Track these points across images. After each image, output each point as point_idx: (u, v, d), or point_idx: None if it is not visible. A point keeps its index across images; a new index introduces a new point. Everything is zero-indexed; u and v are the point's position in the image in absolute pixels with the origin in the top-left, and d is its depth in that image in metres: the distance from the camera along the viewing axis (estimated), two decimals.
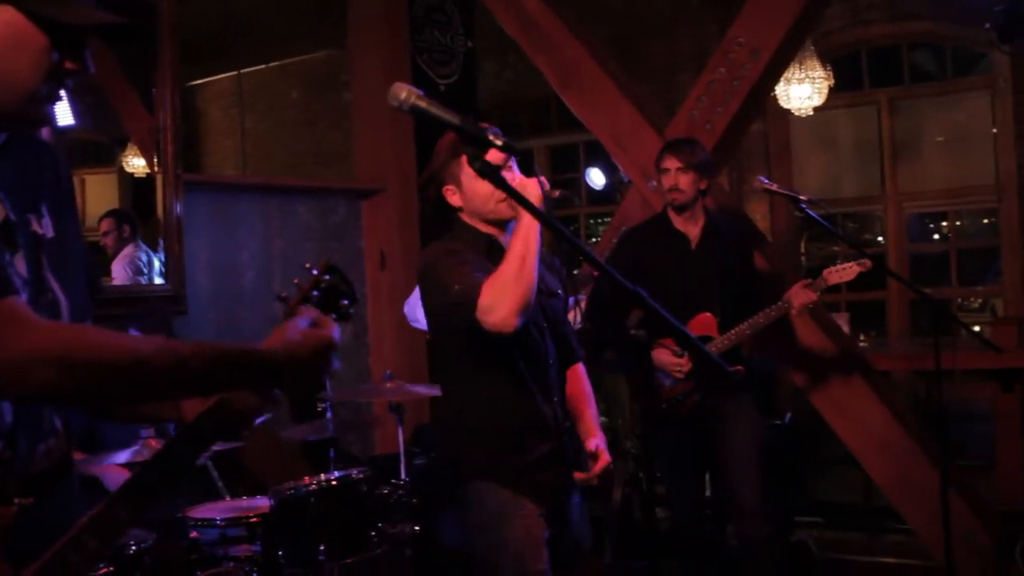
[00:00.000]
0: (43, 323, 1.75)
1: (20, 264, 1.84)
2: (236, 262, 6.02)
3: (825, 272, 4.61)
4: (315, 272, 2.03)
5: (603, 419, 7.15)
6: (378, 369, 6.54)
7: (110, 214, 6.19)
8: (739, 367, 4.56)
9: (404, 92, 2.20)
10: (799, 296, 4.56)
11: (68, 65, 1.84)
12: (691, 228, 4.77)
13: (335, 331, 1.95)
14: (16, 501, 1.83)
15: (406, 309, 5.61)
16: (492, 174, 2.27)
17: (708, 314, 4.65)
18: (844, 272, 4.59)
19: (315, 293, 2.00)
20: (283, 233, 6.31)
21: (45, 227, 1.95)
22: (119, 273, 5.90)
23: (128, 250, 6.01)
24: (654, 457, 4.90)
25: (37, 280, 1.88)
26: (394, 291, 6.44)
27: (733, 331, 4.63)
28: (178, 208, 5.54)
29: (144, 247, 6.05)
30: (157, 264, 5.90)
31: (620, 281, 2.11)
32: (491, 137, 2.24)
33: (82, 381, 1.72)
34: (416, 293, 5.57)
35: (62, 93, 1.87)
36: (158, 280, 5.73)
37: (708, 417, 4.68)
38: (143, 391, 1.84)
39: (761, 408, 5.03)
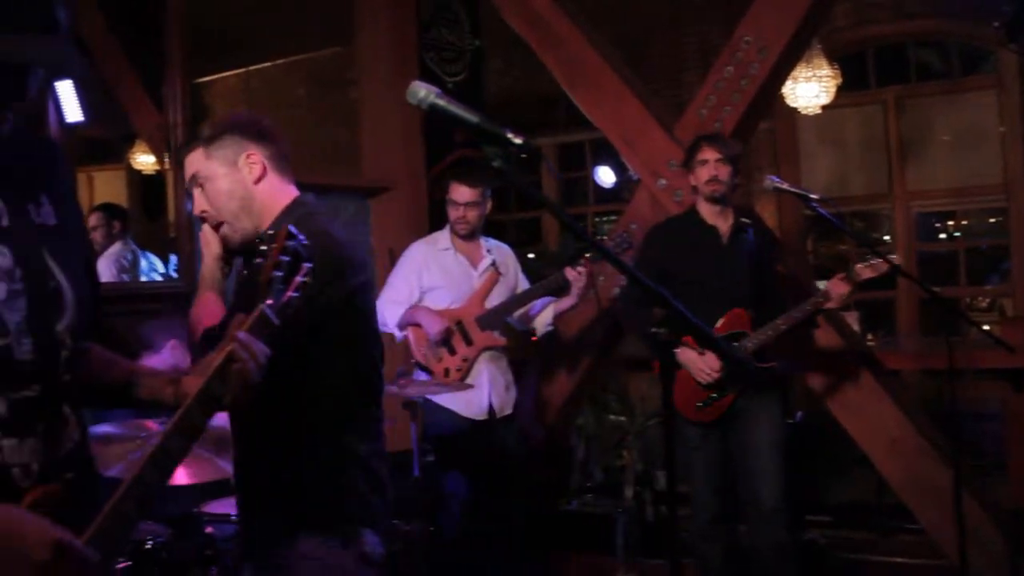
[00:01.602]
0: None
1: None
2: None
3: (857, 267, 4.58)
4: (277, 238, 2.11)
5: (620, 418, 7.16)
6: (391, 367, 6.53)
7: (99, 208, 6.16)
8: (772, 363, 4.54)
9: (423, 91, 2.19)
10: (836, 287, 4.55)
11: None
12: (722, 222, 4.75)
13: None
14: (66, 476, 1.94)
15: None
16: (512, 174, 2.26)
17: (741, 309, 4.62)
18: (874, 267, 4.55)
19: (284, 258, 2.07)
20: None
21: (45, 215, 2.00)
22: (104, 271, 5.83)
23: (115, 248, 5.97)
24: (676, 455, 4.87)
25: (37, 270, 1.93)
26: None
27: (769, 326, 4.59)
28: (188, 206, 5.53)
29: (132, 245, 6.02)
30: (144, 263, 5.87)
31: (644, 282, 2.10)
32: (509, 135, 2.23)
33: None
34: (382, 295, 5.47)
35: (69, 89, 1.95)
36: (157, 277, 5.74)
37: (734, 416, 4.66)
38: None
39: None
